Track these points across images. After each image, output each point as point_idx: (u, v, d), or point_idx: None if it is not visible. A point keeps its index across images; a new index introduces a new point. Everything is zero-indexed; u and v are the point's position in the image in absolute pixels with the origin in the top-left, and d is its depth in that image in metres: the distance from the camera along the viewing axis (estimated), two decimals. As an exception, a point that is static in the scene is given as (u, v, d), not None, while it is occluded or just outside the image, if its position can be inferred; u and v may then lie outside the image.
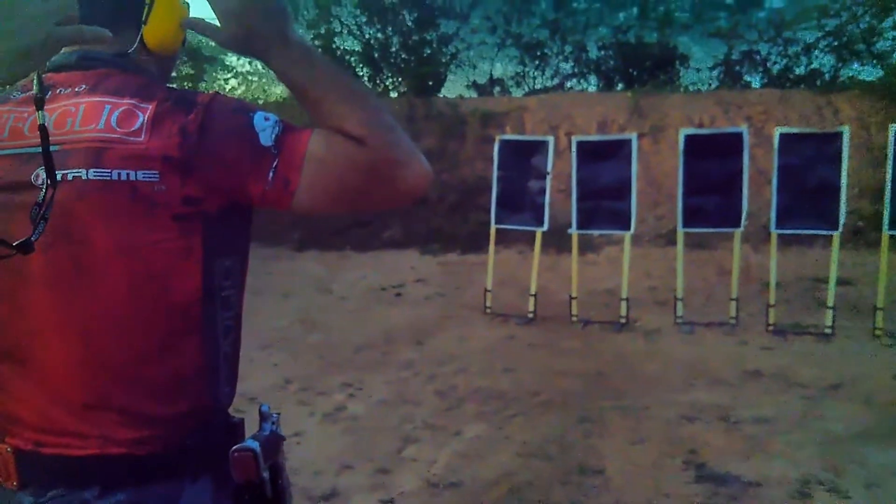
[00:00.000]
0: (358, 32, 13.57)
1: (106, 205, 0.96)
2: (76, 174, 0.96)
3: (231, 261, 1.08)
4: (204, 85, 13.73)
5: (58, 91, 1.03)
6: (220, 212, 1.02)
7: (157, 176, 0.97)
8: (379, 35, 13.57)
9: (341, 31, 13.49)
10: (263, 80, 14.36)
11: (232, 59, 14.16)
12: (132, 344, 0.99)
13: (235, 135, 1.00)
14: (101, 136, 0.98)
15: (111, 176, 0.96)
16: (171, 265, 0.99)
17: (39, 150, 0.92)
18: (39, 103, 0.90)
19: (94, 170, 0.96)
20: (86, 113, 1.00)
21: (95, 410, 0.99)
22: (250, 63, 14.24)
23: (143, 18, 1.09)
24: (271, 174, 1.00)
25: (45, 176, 0.90)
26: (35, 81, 0.92)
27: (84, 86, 1.03)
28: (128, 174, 0.96)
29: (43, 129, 0.90)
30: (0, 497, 1.03)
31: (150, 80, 1.08)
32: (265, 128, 1.01)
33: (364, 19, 13.38)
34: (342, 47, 13.75)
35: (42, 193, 0.89)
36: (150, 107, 1.00)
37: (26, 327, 1.00)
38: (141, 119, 0.99)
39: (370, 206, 1.11)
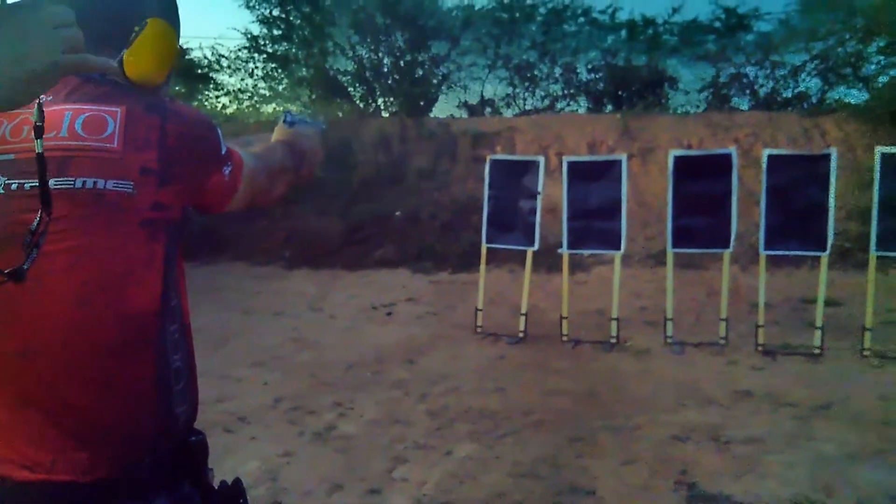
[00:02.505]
0: (351, 52, 13.66)
1: (65, 215, 0.93)
2: (32, 184, 0.93)
3: (177, 270, 1.09)
4: (196, 103, 13.75)
5: None
6: (180, 218, 1.06)
7: (130, 186, 0.97)
8: (371, 55, 13.67)
9: (334, 51, 13.57)
10: (255, 99, 14.39)
11: (223, 77, 14.25)
12: (81, 357, 0.95)
13: (207, 146, 1.12)
14: (63, 143, 0.96)
15: (74, 184, 0.95)
16: (131, 272, 0.97)
17: (9, 157, 0.95)
18: (38, 132, 0.88)
19: (56, 179, 0.94)
20: (45, 122, 0.94)
21: (41, 428, 0.94)
22: (242, 80, 14.32)
23: (129, 42, 1.05)
24: (227, 170, 1.16)
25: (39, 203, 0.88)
26: (35, 110, 0.89)
27: (44, 97, 0.97)
28: (94, 182, 0.95)
29: (40, 158, 0.87)
30: None
31: (115, 87, 1.05)
32: (222, 138, 1.17)
33: (357, 39, 13.48)
34: (335, 67, 13.84)
35: (35, 222, 0.88)
36: (120, 111, 1.00)
37: None
38: (111, 125, 0.98)
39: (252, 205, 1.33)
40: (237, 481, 1.19)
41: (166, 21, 1.09)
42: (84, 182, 0.95)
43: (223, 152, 1.15)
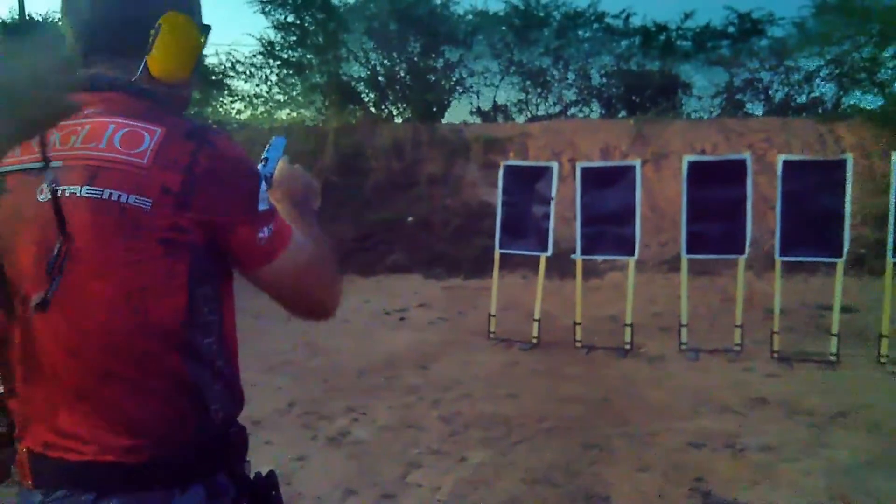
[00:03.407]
0: (364, 59, 13.71)
1: (92, 223, 0.99)
2: (71, 191, 1.00)
3: (211, 288, 1.08)
4: (210, 109, 13.85)
5: None
6: (206, 243, 1.04)
7: (148, 204, 0.99)
8: (385, 62, 13.72)
9: (348, 58, 13.63)
10: (270, 105, 14.46)
11: (238, 83, 14.32)
12: (115, 358, 1.03)
13: (235, 190, 1.05)
14: (100, 155, 1.01)
15: (102, 195, 0.99)
16: (153, 286, 1.01)
17: (55, 164, 1.00)
18: (47, 161, 0.97)
19: (88, 187, 0.99)
20: (90, 132, 1.03)
21: (89, 418, 1.04)
22: (256, 86, 14.39)
23: (149, 47, 1.09)
24: (265, 232, 1.08)
25: (50, 197, 0.97)
26: (39, 145, 0.97)
27: (93, 108, 1.05)
28: (119, 195, 0.99)
29: (54, 195, 0.96)
30: (20, 495, 1.10)
31: (157, 104, 1.09)
32: (265, 195, 1.10)
33: (371, 46, 13.53)
34: (348, 73, 13.90)
35: (57, 248, 0.95)
36: (160, 131, 1.02)
37: (31, 335, 1.04)
38: (147, 142, 1.01)
39: (294, 309, 1.23)
40: (271, 473, 1.24)
41: (180, 12, 1.11)
42: (111, 194, 0.99)
43: (260, 208, 1.07)
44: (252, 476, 1.22)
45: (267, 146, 1.34)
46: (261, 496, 1.20)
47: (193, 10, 1.18)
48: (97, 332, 1.02)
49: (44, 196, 1.00)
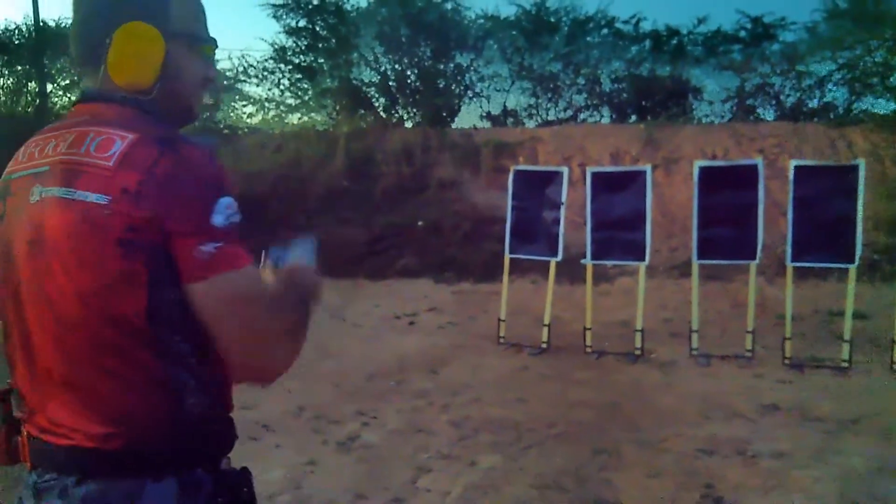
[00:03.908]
0: (375, 64, 13.75)
1: (65, 222, 1.06)
2: (51, 193, 1.08)
3: (176, 289, 1.06)
4: (221, 114, 13.92)
5: (70, 120, 1.18)
6: (164, 246, 1.05)
7: (108, 202, 1.04)
8: (396, 66, 13.75)
9: (359, 62, 13.67)
10: (281, 108, 14.52)
11: (250, 87, 14.40)
12: (93, 350, 1.08)
13: (186, 198, 1.05)
14: (77, 159, 1.08)
15: (73, 196, 1.06)
16: (114, 285, 1.05)
17: (42, 170, 1.10)
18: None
19: (63, 189, 1.07)
20: (74, 139, 1.11)
21: (75, 406, 1.10)
22: (269, 90, 14.46)
23: (103, 57, 1.15)
24: (208, 247, 1.05)
25: (38, 198, 1.09)
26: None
27: (82, 118, 1.16)
28: (85, 195, 1.05)
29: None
30: (21, 476, 1.19)
31: (140, 114, 1.16)
32: (224, 212, 1.07)
33: (382, 50, 13.57)
34: (359, 77, 13.94)
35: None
36: (131, 137, 1.08)
37: (26, 327, 1.13)
38: (117, 146, 1.07)
39: (228, 352, 1.12)
40: (245, 469, 1.24)
41: (141, 21, 1.15)
42: (78, 195, 1.06)
43: (213, 222, 1.05)
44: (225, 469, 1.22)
45: (292, 243, 1.35)
46: (231, 491, 1.20)
47: (165, 17, 1.19)
48: (74, 326, 1.07)
49: (34, 198, 1.10)
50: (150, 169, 1.04)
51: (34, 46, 13.17)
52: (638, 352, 6.20)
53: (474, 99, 14.15)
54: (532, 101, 13.93)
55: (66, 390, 1.10)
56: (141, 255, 1.04)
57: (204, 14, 1.28)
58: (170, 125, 1.20)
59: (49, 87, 13.81)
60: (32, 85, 13.74)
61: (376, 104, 14.16)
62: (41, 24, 13.32)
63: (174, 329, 1.09)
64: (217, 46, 1.29)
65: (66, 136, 1.12)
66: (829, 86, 12.58)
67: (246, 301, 1.09)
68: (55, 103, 13.94)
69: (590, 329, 6.42)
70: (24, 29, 13.69)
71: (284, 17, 13.54)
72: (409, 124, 13.71)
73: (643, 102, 13.19)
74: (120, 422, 1.08)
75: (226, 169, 1.13)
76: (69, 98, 14.15)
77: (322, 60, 13.85)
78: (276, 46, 13.87)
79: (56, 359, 1.10)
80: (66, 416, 1.10)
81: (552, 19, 13.29)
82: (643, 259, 6.33)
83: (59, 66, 13.73)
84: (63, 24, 13.29)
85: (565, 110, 13.90)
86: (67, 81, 13.92)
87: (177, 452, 1.12)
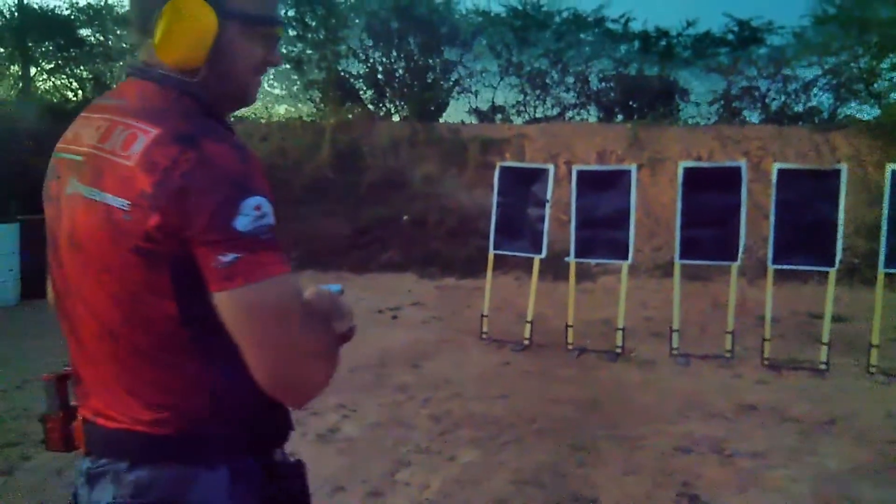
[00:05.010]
0: (363, 56, 13.70)
1: (89, 224, 1.03)
2: (79, 189, 1.05)
3: (206, 295, 1.01)
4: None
5: (112, 101, 1.13)
6: (186, 255, 0.98)
7: (126, 206, 0.98)
8: (384, 59, 13.71)
9: (347, 55, 13.62)
10: (267, 99, 14.44)
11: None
12: (134, 344, 1.06)
13: (204, 199, 0.96)
14: (104, 156, 1.03)
15: (97, 197, 1.01)
16: (140, 294, 1.02)
17: (78, 158, 1.07)
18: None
19: (89, 188, 1.03)
20: (105, 131, 1.06)
21: (123, 391, 1.08)
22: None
23: (152, 31, 1.08)
24: (228, 257, 0.96)
25: (73, 191, 1.07)
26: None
27: (123, 100, 1.10)
28: (107, 197, 1.00)
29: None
30: (77, 461, 1.18)
31: (178, 98, 1.09)
32: (251, 215, 0.98)
33: (370, 43, 13.52)
34: (347, 70, 13.88)
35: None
36: (155, 132, 1.00)
37: (72, 312, 1.13)
38: (140, 143, 1.00)
39: (257, 369, 1.02)
40: (299, 462, 1.24)
41: None
42: (102, 196, 1.02)
43: (233, 227, 0.96)
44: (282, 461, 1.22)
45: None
46: (283, 482, 1.20)
47: None
48: (112, 322, 1.06)
49: (69, 189, 1.08)
50: (167, 171, 0.96)
51: (18, 28, 12.98)
52: (619, 350, 6.23)
53: (462, 94, 14.17)
54: (520, 97, 13.98)
55: (115, 377, 1.09)
56: (164, 265, 0.99)
57: None
58: (218, 111, 1.13)
59: (32, 70, 13.61)
60: (15, 68, 13.55)
61: (364, 97, 14.12)
62: (24, 4, 13.14)
63: (213, 330, 1.01)
64: (284, 27, 1.20)
65: (101, 125, 1.07)
66: (815, 90, 12.73)
67: (275, 315, 0.99)
68: (38, 87, 13.75)
69: (572, 326, 6.45)
70: (6, 11, 13.52)
71: (273, 6, 13.46)
72: (396, 118, 13.70)
73: (630, 102, 13.27)
74: (168, 408, 1.07)
75: (258, 166, 1.03)
76: (53, 82, 13.99)
77: (310, 51, 13.79)
78: (264, 36, 13.79)
79: (101, 349, 1.09)
80: (116, 400, 1.09)
81: (542, 17, 13.31)
82: (626, 258, 6.36)
83: (43, 48, 13.53)
84: (46, 7, 13.15)
85: (553, 108, 13.95)
86: (52, 65, 13.74)
87: (227, 440, 1.10)
